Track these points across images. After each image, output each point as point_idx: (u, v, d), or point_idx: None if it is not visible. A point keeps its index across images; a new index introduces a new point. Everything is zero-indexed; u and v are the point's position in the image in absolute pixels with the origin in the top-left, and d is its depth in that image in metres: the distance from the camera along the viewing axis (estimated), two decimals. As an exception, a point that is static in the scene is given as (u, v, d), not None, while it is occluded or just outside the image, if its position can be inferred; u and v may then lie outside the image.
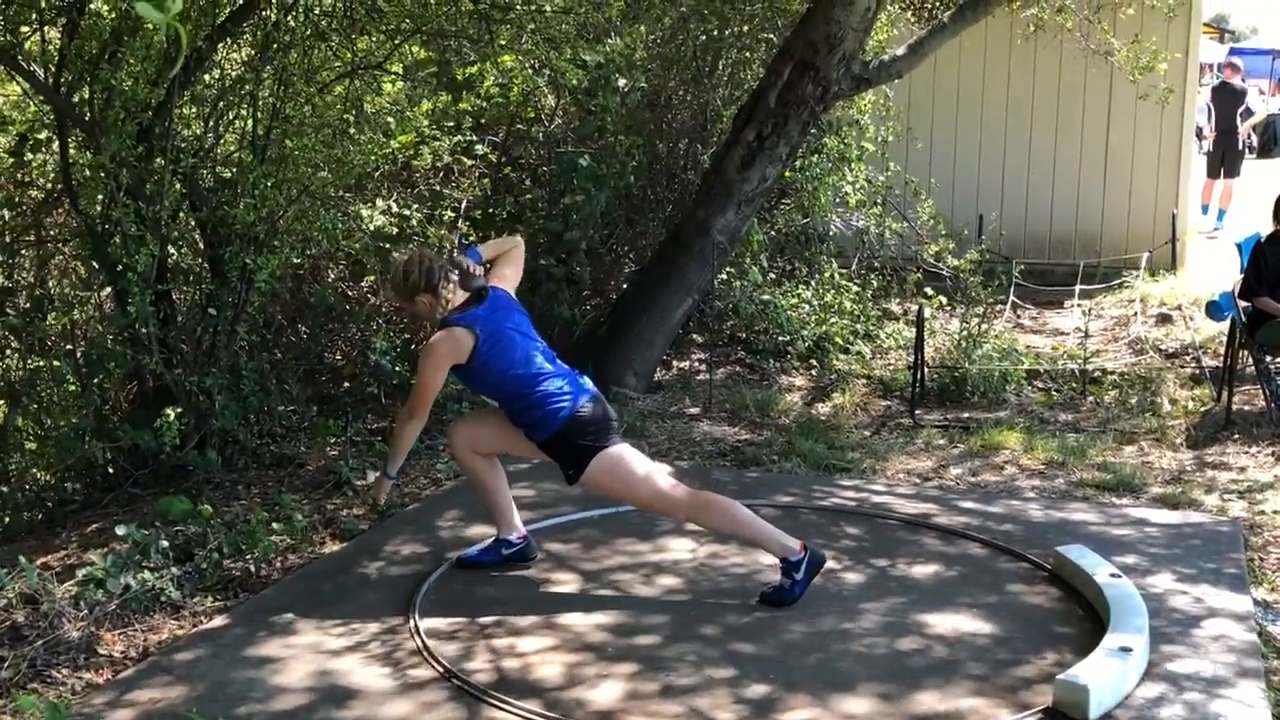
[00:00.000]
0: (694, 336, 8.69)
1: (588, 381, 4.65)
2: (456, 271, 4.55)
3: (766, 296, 8.86)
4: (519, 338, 4.57)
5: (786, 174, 9.12)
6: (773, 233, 9.40)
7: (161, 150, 5.71)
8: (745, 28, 9.13)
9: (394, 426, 4.87)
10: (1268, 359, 7.26)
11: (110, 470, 6.00)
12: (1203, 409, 7.31)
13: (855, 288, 9.57)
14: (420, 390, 4.53)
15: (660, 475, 4.59)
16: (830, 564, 4.80)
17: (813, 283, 9.49)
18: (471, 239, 7.87)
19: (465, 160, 8.25)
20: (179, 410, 5.56)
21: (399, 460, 4.71)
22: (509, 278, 4.82)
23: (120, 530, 4.86)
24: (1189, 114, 11.43)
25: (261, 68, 6.16)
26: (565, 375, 4.58)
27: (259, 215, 5.95)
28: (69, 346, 6.27)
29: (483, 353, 4.47)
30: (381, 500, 4.90)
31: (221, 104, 6.25)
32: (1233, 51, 29.31)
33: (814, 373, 8.24)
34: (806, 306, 8.98)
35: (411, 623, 4.30)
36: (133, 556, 4.68)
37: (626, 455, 4.53)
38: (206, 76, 6.35)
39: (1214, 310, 7.87)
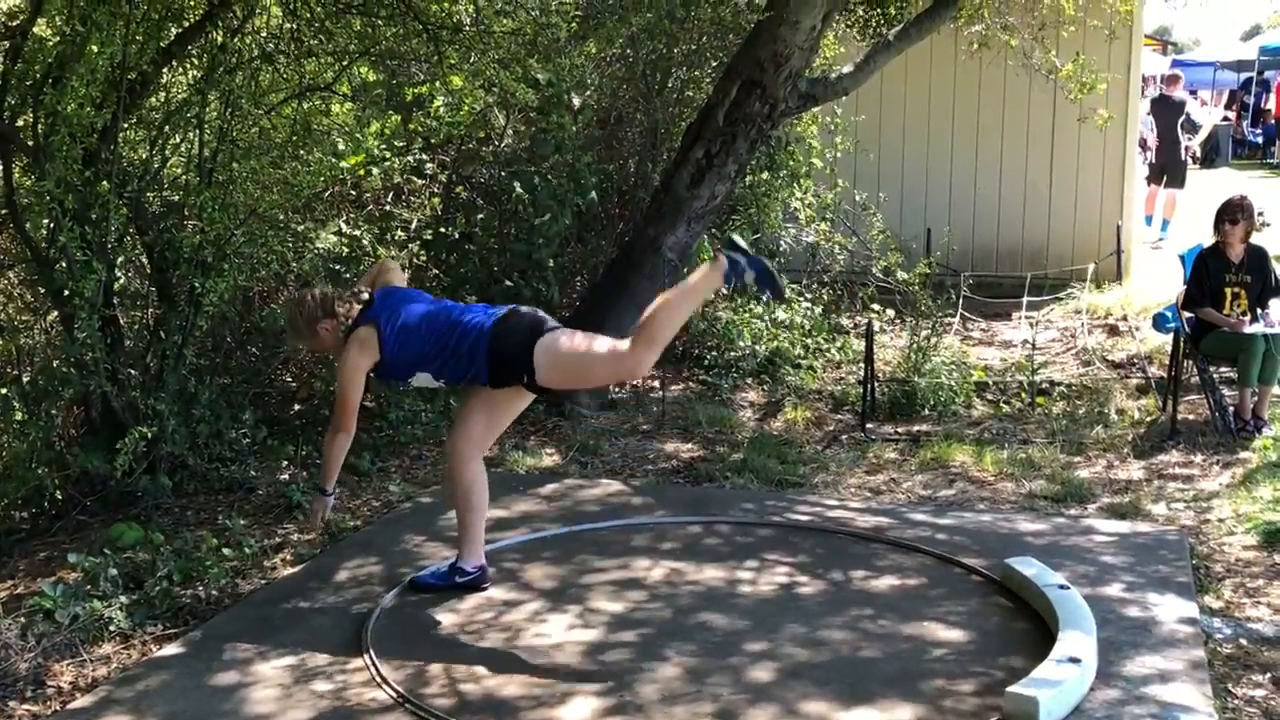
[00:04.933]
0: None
1: (505, 308, 4.62)
2: (342, 290, 4.71)
3: (719, 313, 8.89)
4: (416, 305, 4.61)
5: (737, 190, 9.18)
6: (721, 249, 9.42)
7: (107, 174, 5.66)
8: (694, 46, 9.18)
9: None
10: (1211, 369, 7.37)
11: (59, 497, 5.93)
12: (1149, 419, 7.40)
13: (807, 303, 9.63)
14: (341, 401, 4.54)
15: (601, 339, 4.54)
16: (787, 579, 4.86)
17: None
18: (423, 258, 7.86)
19: (416, 180, 8.24)
20: (140, 430, 5.51)
21: (333, 477, 4.69)
22: (394, 282, 4.88)
23: (71, 558, 4.82)
24: (1132, 128, 11.60)
25: (208, 90, 6.13)
26: (477, 310, 4.59)
27: (206, 238, 5.91)
28: (15, 373, 6.19)
29: (391, 338, 4.51)
30: (319, 520, 4.84)
31: (167, 127, 6.21)
32: (1175, 63, 29.75)
33: (766, 388, 8.28)
34: (759, 322, 9.02)
35: (365, 648, 4.28)
36: (82, 586, 4.64)
37: (561, 335, 4.48)
38: (153, 99, 6.30)
39: (1160, 322, 8.00)
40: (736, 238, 4.48)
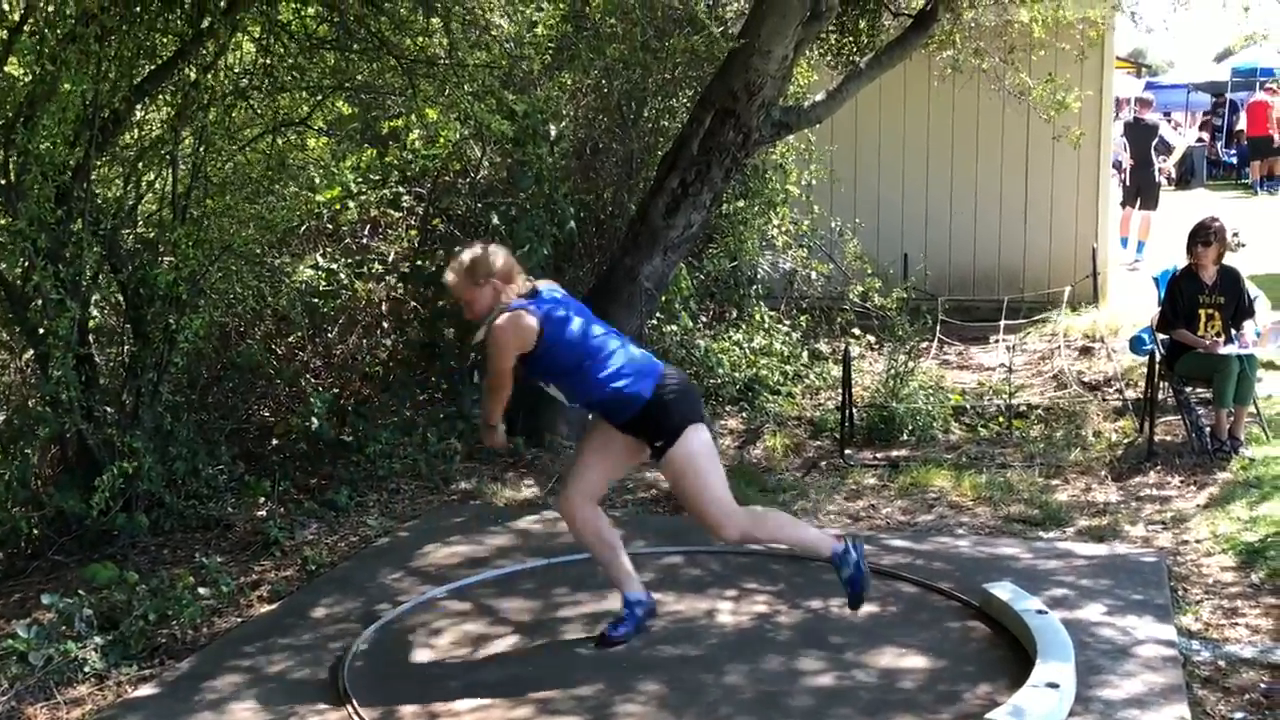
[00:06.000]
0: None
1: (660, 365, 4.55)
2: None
3: (698, 341, 8.91)
4: (581, 318, 4.50)
5: (714, 218, 9.20)
6: (701, 277, 9.46)
7: (80, 212, 5.65)
8: (669, 75, 9.22)
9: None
10: (1187, 390, 7.41)
11: (34, 537, 5.90)
12: (1126, 441, 7.43)
13: (785, 329, 9.65)
14: (496, 371, 4.42)
15: (722, 490, 4.43)
16: (765, 607, 4.86)
17: (743, 325, 9.56)
18: (401, 291, 7.86)
19: (392, 213, 8.25)
20: (121, 466, 5.48)
21: (497, 413, 4.59)
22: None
23: (45, 599, 4.78)
24: (1105, 150, 11.68)
25: (181, 127, 6.13)
26: (639, 350, 4.51)
27: (180, 275, 5.90)
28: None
29: (548, 337, 4.37)
30: (500, 443, 4.78)
31: (141, 164, 6.20)
32: (1149, 85, 29.97)
33: (745, 415, 8.28)
34: (737, 350, 9.04)
35: (342, 687, 4.25)
36: (56, 627, 4.61)
37: (704, 451, 4.40)
38: (126, 136, 6.30)
39: (1136, 344, 8.04)
40: (854, 548, 4.55)
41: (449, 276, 4.54)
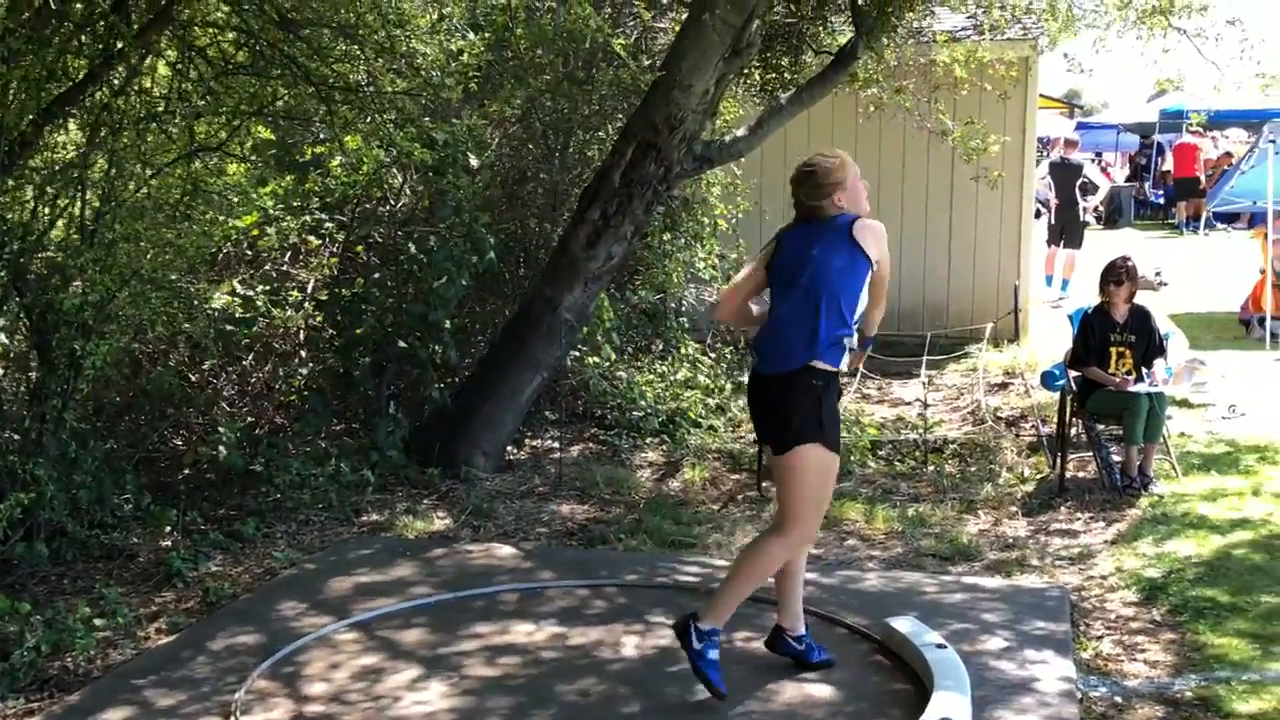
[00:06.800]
0: (548, 414, 8.68)
1: None
2: None
3: (620, 373, 8.90)
4: None
5: (640, 251, 9.23)
6: (625, 309, 9.46)
7: (-15, 237, 5.56)
8: (595, 107, 9.25)
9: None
10: (1099, 427, 7.50)
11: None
12: (1039, 476, 7.51)
13: (709, 361, 9.67)
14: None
15: (809, 498, 4.36)
16: (669, 641, 4.83)
17: (668, 358, 9.57)
18: (319, 319, 7.79)
19: (312, 240, 8.19)
20: (18, 496, 5.37)
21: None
22: None
23: (-68, 632, 4.67)
24: (1028, 190, 11.84)
25: (91, 151, 6.05)
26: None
27: (86, 300, 5.81)
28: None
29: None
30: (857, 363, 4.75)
31: (50, 188, 6.11)
32: (1080, 126, 30.49)
33: (666, 448, 8.28)
34: (660, 382, 9.04)
35: None
36: (-58, 659, 4.50)
37: (834, 466, 4.41)
38: (36, 160, 6.21)
39: (1048, 380, 8.13)
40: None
41: (842, 159, 4.48)
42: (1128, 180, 25.18)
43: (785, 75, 8.30)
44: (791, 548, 4.38)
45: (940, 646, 4.54)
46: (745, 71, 8.24)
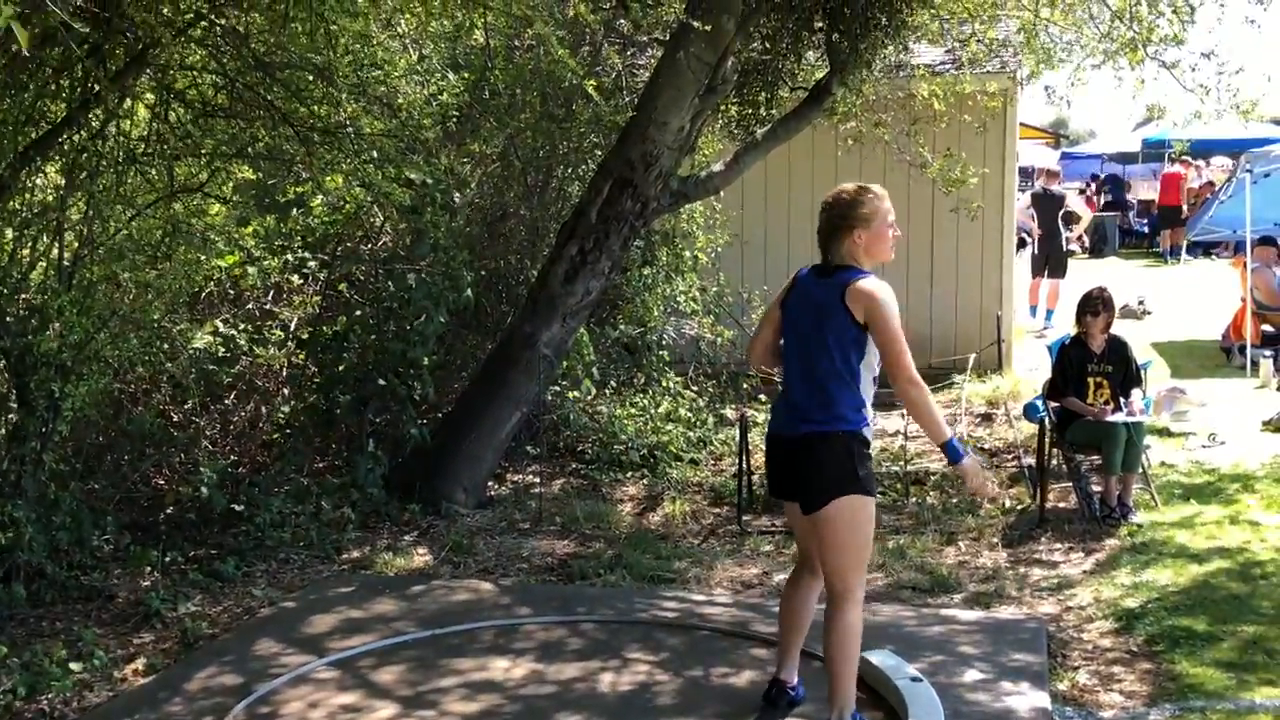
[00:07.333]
0: (529, 449, 8.70)
1: None
2: None
3: (601, 407, 8.93)
4: None
5: (619, 285, 9.27)
6: (606, 343, 9.49)
7: (-38, 280, 5.59)
8: (575, 144, 9.32)
9: (911, 403, 4.37)
10: (1079, 457, 7.53)
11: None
12: (1020, 507, 7.53)
13: (691, 395, 9.70)
14: (902, 343, 4.21)
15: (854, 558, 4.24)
16: (646, 677, 4.85)
17: (649, 391, 9.59)
18: (301, 357, 7.81)
19: (294, 280, 8.22)
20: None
21: (945, 426, 4.31)
22: None
23: (-93, 676, 4.67)
24: (1009, 220, 11.89)
25: (69, 193, 6.09)
26: None
27: (65, 342, 5.83)
28: None
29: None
30: (994, 491, 4.69)
31: (28, 231, 6.15)
32: (1064, 156, 30.70)
33: (646, 482, 8.29)
34: (642, 416, 9.06)
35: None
36: (-83, 704, 4.49)
37: (872, 518, 4.30)
38: (14, 203, 6.24)
39: (1030, 411, 8.18)
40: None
41: (871, 194, 4.45)
42: (1106, 208, 25.27)
43: (761, 111, 8.36)
44: (859, 601, 4.26)
45: (915, 679, 4.55)
46: (722, 107, 8.31)
